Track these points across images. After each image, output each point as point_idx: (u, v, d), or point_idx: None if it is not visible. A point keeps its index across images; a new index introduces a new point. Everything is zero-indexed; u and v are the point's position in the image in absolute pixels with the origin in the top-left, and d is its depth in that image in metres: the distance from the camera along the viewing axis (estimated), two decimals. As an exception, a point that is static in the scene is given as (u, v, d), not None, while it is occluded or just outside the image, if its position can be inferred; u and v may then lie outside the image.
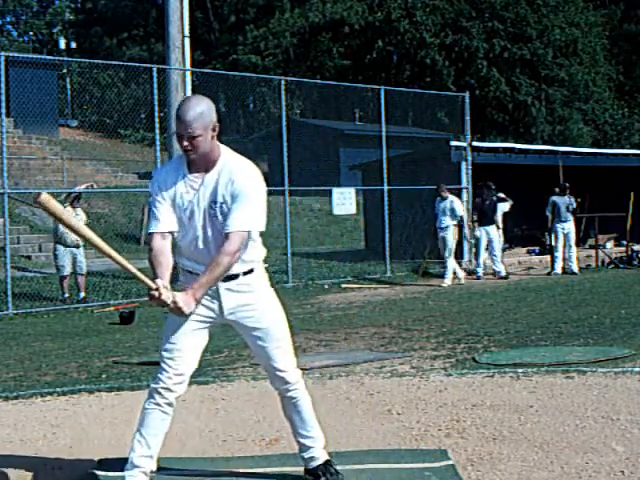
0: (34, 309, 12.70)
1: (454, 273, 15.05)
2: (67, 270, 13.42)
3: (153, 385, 3.90)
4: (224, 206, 3.81)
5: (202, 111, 3.74)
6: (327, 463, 4.13)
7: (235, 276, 3.90)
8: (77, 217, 13.48)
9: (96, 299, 13.58)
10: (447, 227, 14.94)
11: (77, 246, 13.52)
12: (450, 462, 4.34)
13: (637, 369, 6.61)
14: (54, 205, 3.59)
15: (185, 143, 3.74)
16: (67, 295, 13.40)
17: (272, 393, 6.11)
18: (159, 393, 3.86)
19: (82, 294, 13.47)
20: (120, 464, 4.41)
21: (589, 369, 6.64)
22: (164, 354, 3.91)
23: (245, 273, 3.93)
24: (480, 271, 15.94)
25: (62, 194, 14.16)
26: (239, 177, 3.80)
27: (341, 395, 6.07)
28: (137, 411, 5.64)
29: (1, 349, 9.26)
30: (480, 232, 15.96)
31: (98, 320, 11.77)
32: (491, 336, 8.70)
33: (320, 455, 4.13)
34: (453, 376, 6.65)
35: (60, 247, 13.42)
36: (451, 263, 14.94)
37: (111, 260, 3.87)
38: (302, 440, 4.12)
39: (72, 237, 13.36)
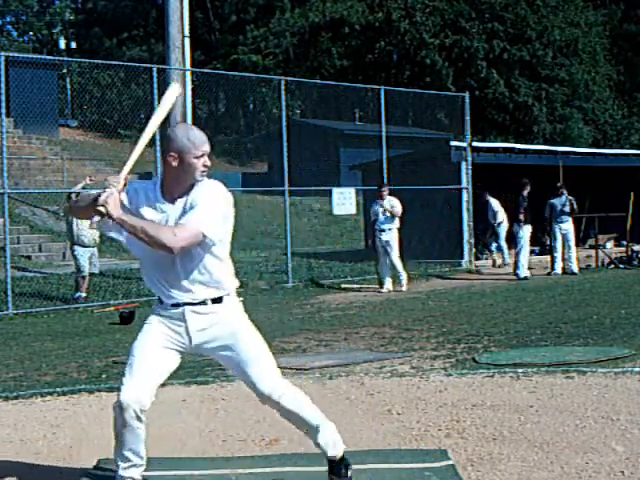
0: (34, 309, 12.70)
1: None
2: (87, 270, 13.44)
3: (116, 401, 3.82)
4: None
5: None
6: (339, 462, 4.00)
7: (203, 302, 3.85)
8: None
9: (96, 299, 13.58)
10: (389, 229, 14.37)
11: (94, 246, 13.57)
12: (450, 462, 4.34)
13: (637, 369, 6.61)
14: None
15: (207, 161, 3.78)
16: (84, 295, 13.38)
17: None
18: (122, 409, 3.78)
19: (83, 294, 13.47)
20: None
21: (589, 369, 6.64)
22: (126, 370, 3.87)
23: (214, 301, 3.86)
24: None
25: (64, 195, 14.12)
26: (199, 189, 3.79)
27: (341, 395, 6.07)
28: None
29: (1, 349, 9.26)
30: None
31: (98, 320, 11.77)
32: (491, 336, 8.70)
33: (333, 449, 4.00)
34: (453, 376, 6.65)
35: (79, 248, 13.41)
36: (400, 266, 14.39)
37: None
38: (315, 440, 4.00)
39: (89, 237, 13.38)
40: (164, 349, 3.88)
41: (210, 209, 3.74)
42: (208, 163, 3.79)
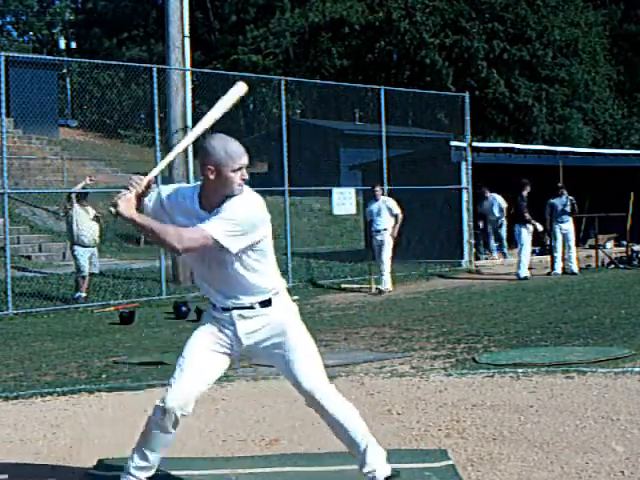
0: (34, 309, 12.70)
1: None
2: (87, 270, 13.44)
3: (159, 404, 3.83)
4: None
5: None
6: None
7: (250, 307, 3.86)
8: (88, 214, 13.51)
9: (96, 299, 13.58)
10: (384, 229, 14.20)
11: (94, 246, 13.57)
12: (450, 462, 4.34)
13: (637, 369, 6.61)
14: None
15: (245, 174, 3.74)
16: (84, 295, 13.38)
17: (272, 393, 6.14)
18: (164, 412, 3.79)
19: (83, 294, 13.47)
20: (120, 464, 4.42)
21: (589, 369, 6.64)
22: (175, 374, 3.86)
23: (262, 304, 3.87)
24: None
25: (64, 195, 14.12)
26: (231, 200, 3.75)
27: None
28: (137, 411, 5.65)
29: (1, 349, 9.26)
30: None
31: (98, 320, 11.77)
32: (491, 336, 8.70)
33: (377, 468, 3.91)
34: (453, 376, 6.65)
35: (79, 248, 13.42)
36: (387, 267, 14.19)
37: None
38: (356, 454, 3.95)
39: (89, 237, 13.38)
40: (214, 353, 3.89)
41: (227, 219, 3.69)
42: (246, 176, 3.74)
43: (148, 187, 3.80)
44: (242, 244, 3.72)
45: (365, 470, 3.89)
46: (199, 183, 3.89)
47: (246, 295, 3.84)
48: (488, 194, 19.05)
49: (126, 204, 3.68)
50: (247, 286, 3.83)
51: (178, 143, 4.01)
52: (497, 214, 19.05)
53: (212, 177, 3.70)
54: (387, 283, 14.20)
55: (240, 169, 3.71)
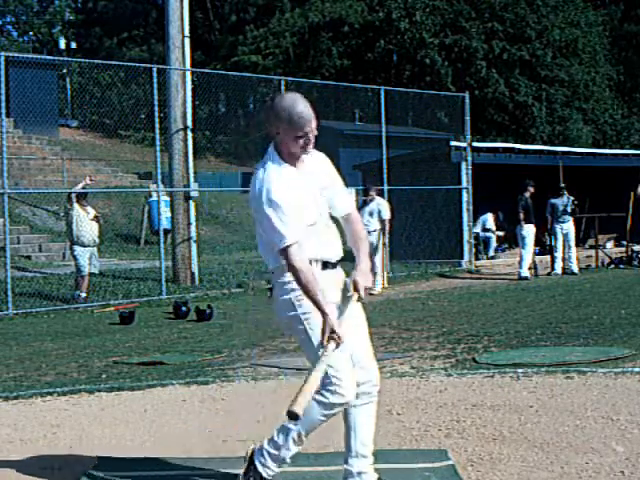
0: (34, 309, 12.70)
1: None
2: (87, 270, 13.43)
3: (334, 401, 3.67)
4: (328, 190, 3.81)
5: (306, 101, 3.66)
6: None
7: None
8: (88, 215, 13.51)
9: (96, 299, 13.58)
10: (374, 230, 14.01)
11: (94, 245, 13.57)
12: (450, 462, 4.34)
13: (637, 369, 6.61)
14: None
15: (311, 137, 3.62)
16: (85, 295, 13.38)
17: (272, 393, 6.13)
18: (344, 404, 3.71)
19: (83, 294, 13.46)
20: (120, 464, 4.42)
21: (589, 369, 6.64)
22: (338, 364, 3.63)
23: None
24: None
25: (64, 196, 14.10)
26: (328, 162, 3.89)
27: (341, 395, 6.06)
28: (137, 411, 5.66)
29: (1, 349, 9.26)
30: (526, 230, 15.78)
31: (98, 320, 11.77)
32: (491, 336, 8.70)
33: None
34: (453, 376, 6.65)
35: (78, 247, 13.42)
36: (379, 269, 14.06)
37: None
38: (347, 458, 3.89)
39: (89, 237, 13.38)
40: (349, 326, 3.77)
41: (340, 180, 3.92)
42: (311, 141, 3.63)
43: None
44: None
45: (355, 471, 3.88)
46: (269, 152, 3.73)
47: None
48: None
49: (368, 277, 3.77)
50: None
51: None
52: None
53: (278, 136, 3.65)
54: (379, 285, 14.09)
55: (305, 135, 3.60)
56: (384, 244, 14.33)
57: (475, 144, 19.01)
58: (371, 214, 14.20)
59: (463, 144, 18.41)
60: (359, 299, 3.73)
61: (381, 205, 14.35)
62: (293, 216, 3.59)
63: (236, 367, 7.39)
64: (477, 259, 18.78)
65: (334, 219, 4.00)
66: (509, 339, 8.51)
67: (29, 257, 18.73)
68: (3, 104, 12.34)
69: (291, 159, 3.69)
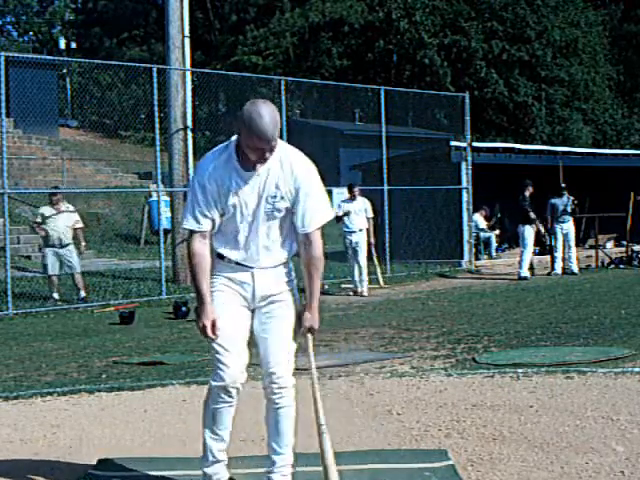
0: (34, 309, 12.70)
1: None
2: (51, 270, 13.30)
3: (216, 383, 3.80)
4: (283, 200, 3.74)
5: (276, 119, 3.62)
6: None
7: (270, 267, 3.88)
8: (58, 215, 13.30)
9: (96, 299, 13.58)
10: (361, 230, 13.90)
11: (62, 246, 13.40)
12: (450, 462, 4.33)
13: (637, 369, 6.61)
14: None
15: (267, 155, 3.64)
16: (56, 296, 13.27)
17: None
18: (226, 390, 3.79)
19: (82, 293, 13.43)
20: (120, 464, 4.42)
21: (589, 369, 6.64)
22: (218, 349, 3.79)
23: (283, 264, 3.91)
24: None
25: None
26: (301, 169, 3.75)
27: (341, 395, 6.07)
28: (137, 411, 5.66)
29: (1, 349, 9.26)
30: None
31: (98, 320, 11.77)
32: (491, 336, 8.69)
33: (279, 474, 3.94)
34: (453, 376, 6.64)
35: (45, 248, 13.43)
36: (365, 269, 13.93)
37: None
38: (272, 455, 3.96)
39: (55, 237, 13.27)
40: (241, 316, 3.86)
41: (322, 196, 3.83)
42: (267, 157, 3.64)
43: None
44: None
45: (270, 474, 3.94)
46: (232, 141, 3.78)
47: (275, 254, 3.85)
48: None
49: (310, 319, 3.94)
50: (281, 245, 3.85)
51: None
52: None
53: (241, 137, 3.65)
54: (365, 286, 13.99)
55: (259, 150, 3.61)
56: (369, 243, 14.13)
57: (475, 144, 19.01)
58: (356, 213, 13.99)
59: (463, 144, 18.41)
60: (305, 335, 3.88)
61: (367, 204, 14.17)
62: (203, 204, 3.71)
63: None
64: (477, 259, 18.77)
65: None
66: (509, 339, 8.50)
67: (29, 257, 18.72)
68: (3, 104, 12.34)
69: (246, 158, 3.70)
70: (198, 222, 3.73)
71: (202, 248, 3.76)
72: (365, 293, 13.91)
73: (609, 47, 45.63)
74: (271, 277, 3.88)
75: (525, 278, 15.38)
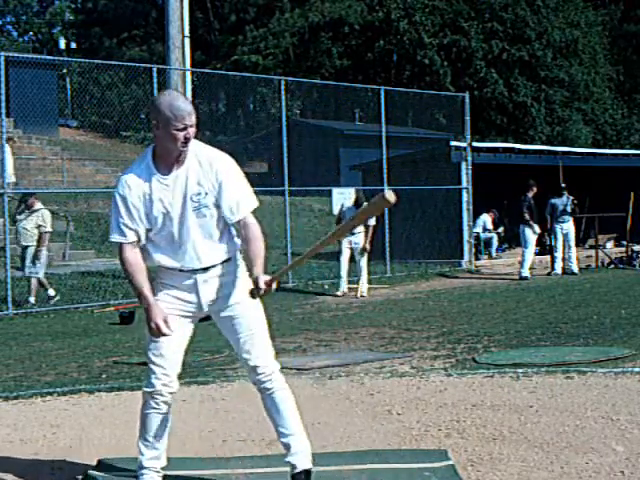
0: (34, 309, 12.69)
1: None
2: (26, 272, 13.14)
3: (145, 389, 3.90)
4: (208, 196, 3.79)
5: (189, 100, 3.84)
6: (306, 474, 3.92)
7: (213, 266, 3.88)
8: (27, 216, 13.17)
9: (96, 299, 13.57)
10: (360, 232, 13.69)
11: (24, 247, 13.21)
12: (450, 462, 4.33)
13: (637, 369, 6.61)
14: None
15: (191, 131, 3.72)
16: (33, 299, 13.06)
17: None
18: (153, 397, 3.87)
19: (51, 292, 13.12)
20: (120, 464, 4.42)
21: (589, 369, 6.64)
22: (151, 356, 3.88)
23: (223, 262, 3.91)
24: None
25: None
26: (220, 163, 3.82)
27: (341, 395, 6.07)
28: (137, 411, 5.64)
29: (1, 349, 9.26)
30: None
31: (98, 320, 11.77)
32: (491, 336, 8.70)
33: (299, 463, 3.92)
34: (453, 376, 6.65)
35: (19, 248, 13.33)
36: (365, 269, 13.85)
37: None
38: (283, 440, 3.98)
39: (20, 239, 13.16)
40: (180, 327, 3.91)
41: (243, 181, 3.87)
42: (190, 135, 3.74)
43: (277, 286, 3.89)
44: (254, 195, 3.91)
45: (288, 458, 3.96)
46: (148, 149, 3.88)
47: (213, 256, 3.86)
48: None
49: (264, 283, 3.74)
50: (217, 246, 3.86)
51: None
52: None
53: (158, 132, 3.73)
54: (365, 287, 13.91)
55: (185, 128, 3.70)
56: (364, 249, 13.96)
57: (475, 144, 19.00)
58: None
59: (463, 144, 18.41)
60: (253, 295, 3.78)
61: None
62: (126, 216, 3.78)
63: (236, 367, 7.39)
64: (477, 259, 18.77)
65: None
66: (509, 339, 8.51)
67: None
68: (3, 104, 12.34)
69: (163, 162, 3.80)
70: (124, 234, 3.80)
71: (134, 257, 3.82)
72: (365, 294, 13.89)
73: (609, 47, 45.61)
74: (215, 282, 3.90)
75: (526, 278, 15.38)
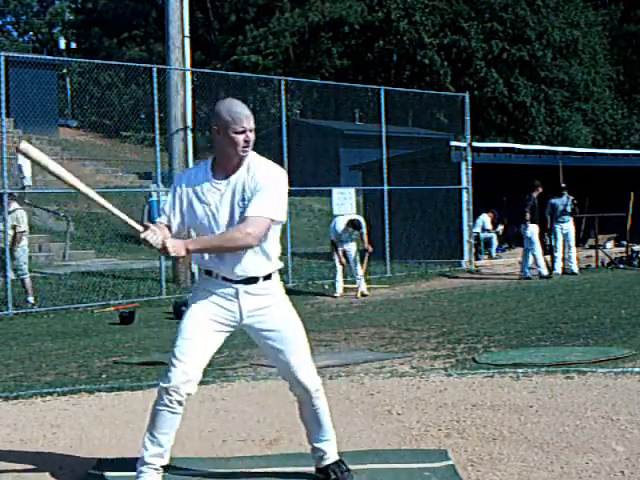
0: (34, 309, 12.69)
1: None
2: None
3: (162, 384, 3.89)
4: (250, 202, 3.88)
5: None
6: (339, 462, 4.13)
7: (255, 279, 3.94)
8: (8, 216, 12.87)
9: (96, 299, 13.58)
10: (352, 241, 13.86)
11: (2, 250, 12.84)
12: (450, 462, 4.34)
13: (637, 369, 6.61)
14: (35, 152, 3.84)
15: (250, 135, 3.86)
16: (32, 300, 12.94)
17: (272, 393, 6.14)
18: (168, 393, 3.86)
19: (30, 299, 12.95)
20: (120, 464, 4.42)
21: (589, 369, 6.64)
22: (176, 352, 3.89)
23: (265, 278, 3.97)
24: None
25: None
26: (260, 172, 3.91)
27: (341, 395, 6.07)
28: (137, 411, 5.65)
29: (1, 349, 9.26)
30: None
31: (98, 320, 11.77)
32: (491, 336, 8.70)
33: (332, 455, 4.13)
34: (453, 376, 6.65)
35: None
36: (360, 271, 13.83)
37: (93, 202, 3.92)
38: (317, 444, 4.12)
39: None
40: (214, 333, 3.94)
41: (275, 193, 3.87)
42: (250, 138, 3.87)
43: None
44: (285, 208, 3.94)
45: (319, 455, 4.12)
46: (210, 157, 4.04)
47: (254, 265, 3.91)
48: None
49: (173, 244, 3.77)
50: (260, 255, 3.92)
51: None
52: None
53: (218, 137, 3.86)
54: (364, 287, 13.95)
55: (244, 132, 3.84)
56: (367, 250, 13.97)
57: (475, 144, 19.00)
58: (351, 237, 13.89)
59: (463, 144, 18.41)
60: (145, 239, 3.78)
61: (362, 222, 13.96)
62: (168, 205, 3.97)
63: (236, 367, 7.39)
64: (477, 259, 18.77)
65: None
66: (509, 339, 8.51)
67: (29, 257, 18.68)
68: (3, 104, 12.33)
69: (221, 168, 3.93)
70: (159, 215, 4.03)
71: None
72: (365, 292, 13.91)
73: (609, 47, 45.63)
74: (257, 296, 3.95)
75: (549, 276, 15.36)
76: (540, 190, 15.77)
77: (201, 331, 3.90)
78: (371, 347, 8.39)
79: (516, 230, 17.47)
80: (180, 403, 3.89)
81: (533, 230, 15.66)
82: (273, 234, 3.96)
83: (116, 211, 3.90)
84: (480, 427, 5.04)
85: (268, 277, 3.98)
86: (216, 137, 3.88)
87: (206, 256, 3.95)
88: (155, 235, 3.77)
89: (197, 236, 3.98)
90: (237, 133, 3.83)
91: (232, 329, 4.02)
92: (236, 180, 3.90)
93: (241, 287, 3.92)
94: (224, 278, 3.93)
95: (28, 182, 21.21)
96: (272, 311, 3.97)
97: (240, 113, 3.84)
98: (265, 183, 3.86)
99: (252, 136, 3.88)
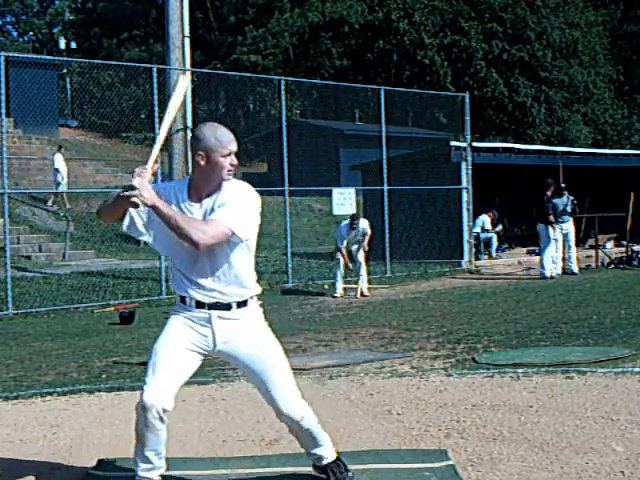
0: (34, 309, 12.69)
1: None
2: None
3: (139, 401, 3.81)
4: None
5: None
6: (338, 461, 4.09)
7: (228, 306, 3.87)
8: None
9: (96, 299, 13.58)
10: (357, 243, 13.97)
11: None
12: (450, 462, 4.34)
13: (637, 369, 6.61)
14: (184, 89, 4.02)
15: (235, 160, 3.82)
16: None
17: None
18: (144, 411, 3.78)
19: None
20: (120, 464, 4.43)
21: (589, 369, 6.64)
22: (149, 371, 3.84)
23: (239, 305, 3.89)
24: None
25: None
26: (230, 189, 3.84)
27: (341, 395, 6.07)
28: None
29: (1, 349, 9.26)
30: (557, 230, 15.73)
31: (98, 320, 11.77)
32: (491, 336, 8.70)
33: (329, 455, 4.08)
34: (453, 376, 6.65)
35: None
36: (364, 269, 13.94)
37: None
38: (312, 451, 4.08)
39: None
40: (187, 353, 3.88)
41: (242, 208, 3.79)
42: (235, 162, 3.83)
43: (154, 175, 3.88)
44: (253, 231, 3.84)
45: (324, 455, 4.06)
46: (188, 177, 3.98)
47: (226, 291, 3.84)
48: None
49: (149, 192, 3.68)
50: (231, 280, 3.85)
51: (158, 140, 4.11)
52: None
53: (203, 163, 3.79)
54: (365, 287, 14.00)
55: (229, 155, 3.80)
56: (364, 249, 14.03)
57: (475, 144, 19.00)
58: (357, 239, 13.96)
59: (463, 144, 18.41)
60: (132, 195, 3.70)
61: (365, 224, 14.01)
62: (144, 212, 3.86)
63: (236, 367, 7.38)
64: (477, 259, 18.77)
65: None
66: (509, 339, 8.51)
67: (29, 257, 18.71)
68: (3, 104, 12.33)
69: (197, 193, 3.86)
70: (126, 224, 3.93)
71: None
72: (366, 292, 13.92)
73: (609, 47, 45.63)
74: (230, 322, 3.88)
75: (545, 277, 15.34)
76: (553, 188, 15.71)
77: (174, 350, 3.84)
78: (371, 347, 8.39)
79: (522, 228, 17.51)
80: (160, 419, 3.79)
81: (551, 230, 15.58)
82: (244, 257, 3.87)
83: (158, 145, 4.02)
84: (480, 427, 5.04)
85: (243, 304, 3.89)
86: (198, 163, 3.79)
87: (179, 280, 3.89)
88: (143, 181, 3.71)
89: (169, 244, 3.88)
90: (224, 157, 3.78)
91: (206, 353, 3.93)
92: (209, 202, 3.83)
93: (214, 312, 3.85)
94: (197, 303, 3.86)
95: (63, 186, 21.86)
96: (247, 338, 3.88)
97: (226, 136, 3.80)
98: (233, 198, 3.79)
99: (235, 160, 3.83)
